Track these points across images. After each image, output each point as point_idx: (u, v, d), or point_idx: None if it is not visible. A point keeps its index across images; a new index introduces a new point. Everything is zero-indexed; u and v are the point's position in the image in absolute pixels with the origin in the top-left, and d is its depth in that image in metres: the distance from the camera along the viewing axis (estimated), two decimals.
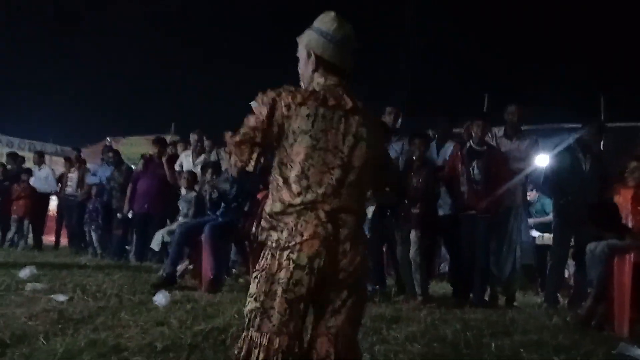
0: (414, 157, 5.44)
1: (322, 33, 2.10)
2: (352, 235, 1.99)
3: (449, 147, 5.84)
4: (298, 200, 1.96)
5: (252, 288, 1.98)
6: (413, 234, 5.22)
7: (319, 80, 2.11)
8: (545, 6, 12.01)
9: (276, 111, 2.00)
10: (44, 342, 3.17)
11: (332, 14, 2.13)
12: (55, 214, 10.63)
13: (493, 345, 3.40)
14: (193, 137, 7.66)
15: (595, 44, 12.15)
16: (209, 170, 6.39)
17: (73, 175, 9.88)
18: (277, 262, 1.94)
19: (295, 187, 1.97)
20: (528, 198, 7.88)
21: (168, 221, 7.46)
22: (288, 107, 2.00)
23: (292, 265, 1.92)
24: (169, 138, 9.90)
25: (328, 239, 1.94)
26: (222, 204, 5.80)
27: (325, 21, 2.12)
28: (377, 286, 5.73)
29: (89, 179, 9.43)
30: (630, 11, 11.44)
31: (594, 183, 5.39)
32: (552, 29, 12.09)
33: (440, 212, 5.53)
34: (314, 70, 2.12)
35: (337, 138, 2.01)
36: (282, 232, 1.96)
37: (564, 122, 9.42)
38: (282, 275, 1.92)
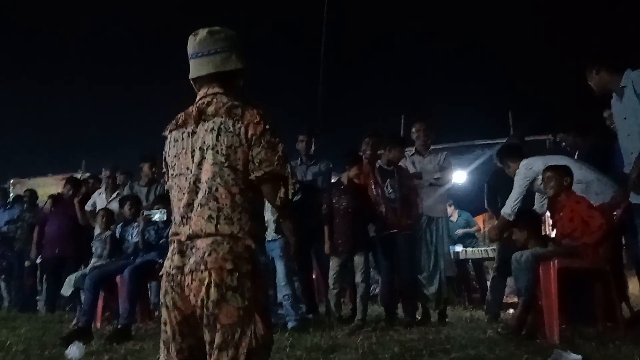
0: (342, 179, 5.38)
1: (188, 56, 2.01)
2: (200, 264, 1.77)
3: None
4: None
5: None
6: (357, 258, 5.12)
7: None
8: (452, 25, 12.62)
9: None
10: None
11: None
12: None
13: None
14: (105, 173, 7.20)
15: (502, 61, 12.84)
16: (128, 205, 5.95)
17: None
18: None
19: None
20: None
21: (82, 266, 6.90)
22: (166, 138, 1.98)
23: (160, 304, 1.89)
24: (79, 176, 9.30)
25: (170, 274, 1.84)
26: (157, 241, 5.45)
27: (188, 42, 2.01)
28: (310, 315, 5.56)
29: None
30: (535, 28, 12.19)
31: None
32: (460, 48, 12.68)
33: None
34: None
35: (187, 159, 1.88)
36: None
37: (476, 139, 9.82)
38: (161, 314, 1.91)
